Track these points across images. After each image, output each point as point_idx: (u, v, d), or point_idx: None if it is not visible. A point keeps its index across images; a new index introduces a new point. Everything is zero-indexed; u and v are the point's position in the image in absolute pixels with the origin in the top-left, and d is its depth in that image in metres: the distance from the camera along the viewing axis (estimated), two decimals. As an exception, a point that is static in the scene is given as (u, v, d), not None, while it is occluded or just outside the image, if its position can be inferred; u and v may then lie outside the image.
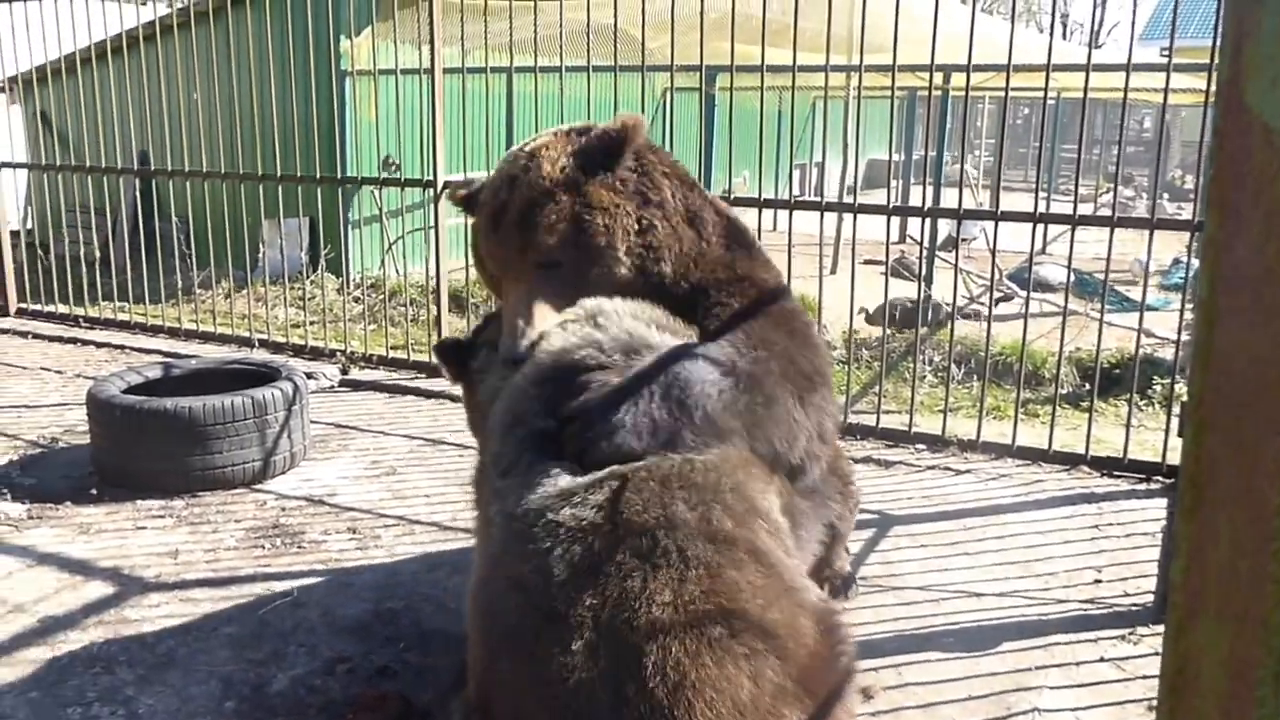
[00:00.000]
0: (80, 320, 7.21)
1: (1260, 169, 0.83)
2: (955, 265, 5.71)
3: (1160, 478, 4.52)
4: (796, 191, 5.67)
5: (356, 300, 7.63)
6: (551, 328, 2.58)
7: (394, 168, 7.05)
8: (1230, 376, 0.85)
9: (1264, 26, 0.84)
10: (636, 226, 2.69)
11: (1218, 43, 3.95)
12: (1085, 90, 4.83)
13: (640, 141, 2.78)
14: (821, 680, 1.94)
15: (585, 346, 2.45)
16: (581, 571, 1.97)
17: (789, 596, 2.02)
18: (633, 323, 2.54)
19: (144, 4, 9.53)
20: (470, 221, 3.02)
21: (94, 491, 4.21)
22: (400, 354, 6.31)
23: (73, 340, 6.81)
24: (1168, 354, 6.56)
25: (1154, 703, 2.86)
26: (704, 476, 2.15)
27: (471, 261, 3.03)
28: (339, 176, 6.48)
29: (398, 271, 8.47)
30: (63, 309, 7.34)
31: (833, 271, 8.85)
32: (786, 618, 1.97)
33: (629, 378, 2.36)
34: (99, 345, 6.69)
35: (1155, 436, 4.85)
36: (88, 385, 4.67)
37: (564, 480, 2.17)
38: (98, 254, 7.50)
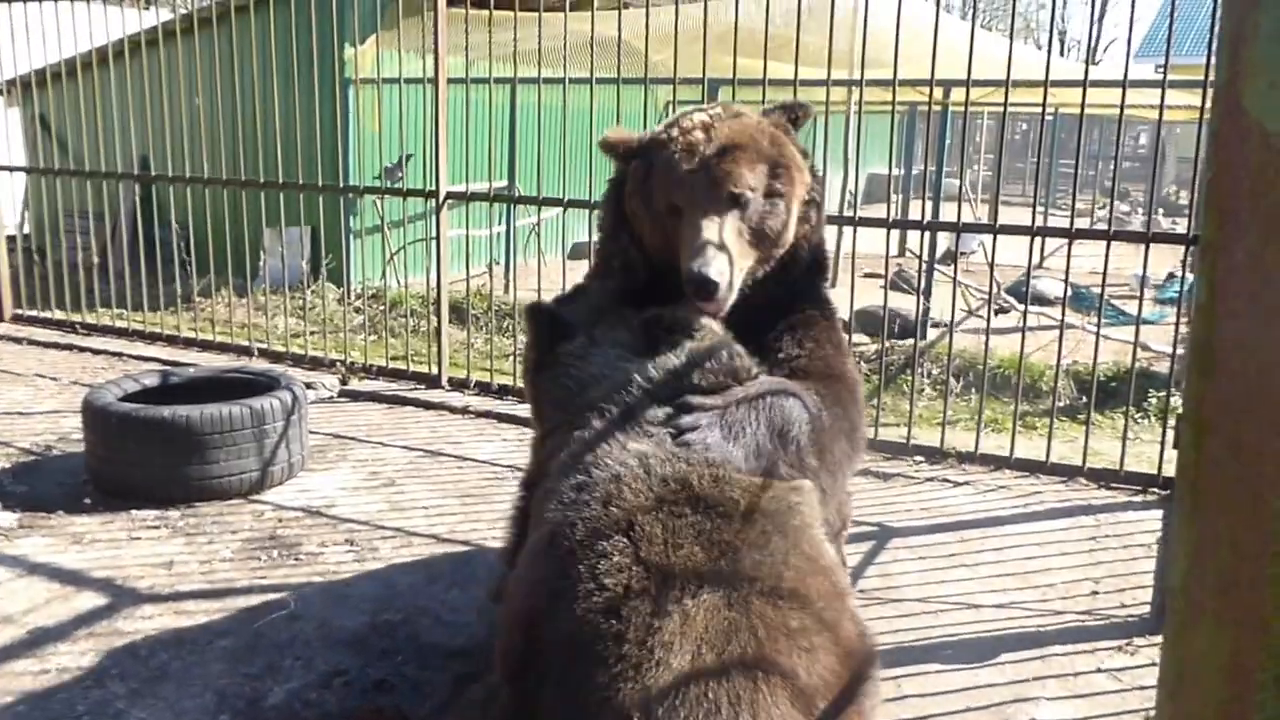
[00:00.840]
0: (77, 327, 7.17)
1: (1258, 172, 0.83)
2: (954, 279, 5.71)
3: (1156, 489, 4.52)
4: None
5: (357, 310, 7.61)
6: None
7: (405, 163, 7.00)
8: (1229, 380, 0.84)
9: (1261, 30, 0.83)
10: (806, 194, 2.80)
11: (1214, 48, 3.95)
12: (1082, 106, 4.82)
13: (810, 115, 2.91)
14: (856, 677, 2.05)
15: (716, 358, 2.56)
16: (706, 543, 2.09)
17: (842, 602, 2.17)
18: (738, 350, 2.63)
19: (146, 9, 9.53)
20: (623, 170, 2.95)
21: (88, 501, 4.17)
22: (400, 365, 6.29)
23: (69, 347, 6.77)
24: (1164, 367, 6.55)
25: (1150, 714, 2.86)
26: (804, 498, 2.33)
27: (620, 209, 2.93)
28: (341, 185, 6.47)
29: (399, 282, 8.47)
30: (59, 315, 7.31)
31: (833, 285, 8.86)
32: (836, 621, 2.11)
33: (743, 401, 2.48)
34: (96, 352, 6.66)
35: (1151, 449, 4.84)
36: (83, 392, 4.62)
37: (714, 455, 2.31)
38: (96, 260, 7.48)
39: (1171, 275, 10.36)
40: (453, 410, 5.59)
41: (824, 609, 2.08)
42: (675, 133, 2.79)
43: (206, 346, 6.77)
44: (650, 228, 2.82)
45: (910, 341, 6.55)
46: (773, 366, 2.68)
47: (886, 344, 5.67)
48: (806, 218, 2.82)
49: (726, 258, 2.62)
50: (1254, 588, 0.81)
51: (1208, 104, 4.32)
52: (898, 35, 4.76)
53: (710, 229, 2.64)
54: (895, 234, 8.19)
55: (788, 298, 2.82)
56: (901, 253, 10.84)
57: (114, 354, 6.60)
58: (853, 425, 2.72)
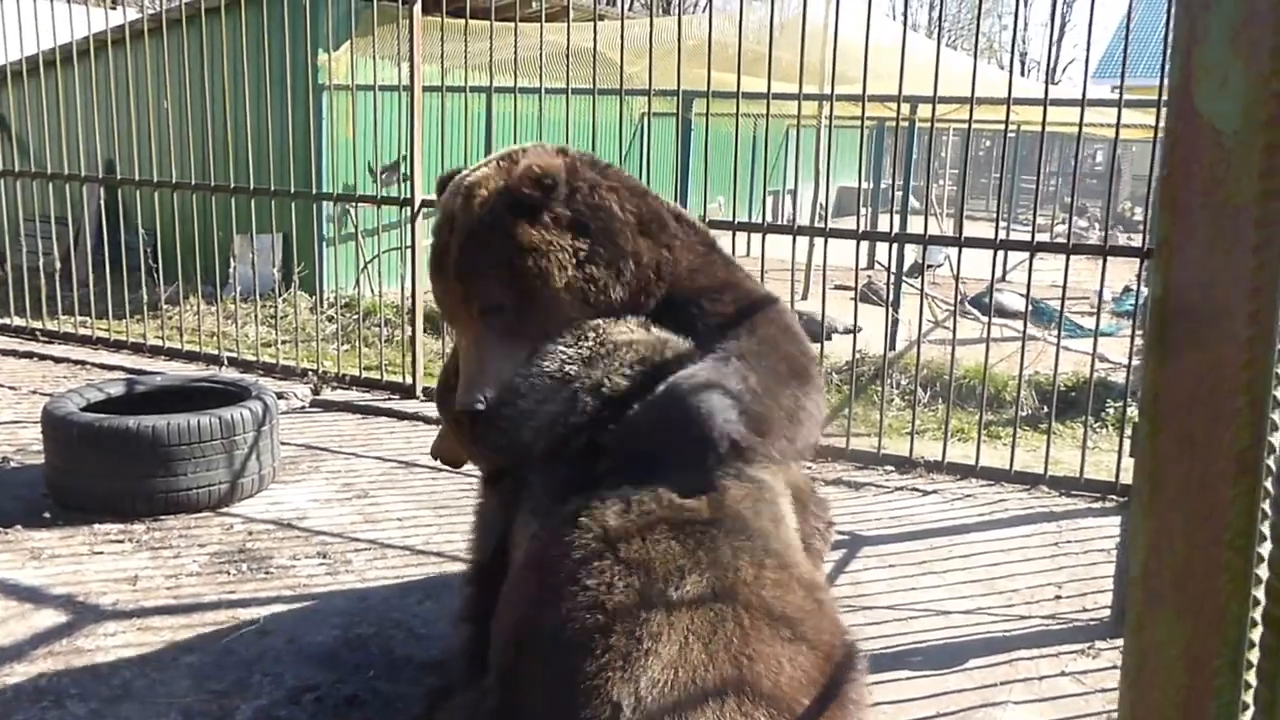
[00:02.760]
0: (37, 334, 6.99)
1: (1209, 170, 0.85)
2: (921, 291, 5.74)
3: (1115, 496, 4.58)
4: (769, 218, 5.70)
5: (330, 319, 7.52)
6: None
7: (401, 164, 6.91)
8: (1183, 375, 0.86)
9: (1212, 34, 0.85)
10: (575, 260, 2.62)
11: (1167, 68, 4.02)
12: (1043, 124, 4.89)
13: (578, 167, 2.71)
14: (834, 677, 2.06)
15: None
16: (682, 537, 2.11)
17: (817, 599, 2.18)
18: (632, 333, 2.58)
19: (114, 8, 9.36)
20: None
21: (47, 515, 4.03)
22: (374, 375, 6.21)
23: (29, 355, 6.59)
24: (1120, 378, 6.64)
25: (1113, 715, 2.87)
26: (770, 494, 2.34)
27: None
28: (314, 192, 6.39)
29: (372, 291, 8.38)
30: (19, 322, 7.12)
31: (804, 296, 8.89)
32: (815, 618, 2.13)
33: (654, 409, 2.38)
34: (57, 360, 6.50)
35: (1110, 457, 4.91)
36: (43, 402, 4.46)
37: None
38: (58, 265, 7.30)
39: (1128, 289, 10.53)
40: (427, 421, 5.53)
41: (804, 602, 2.11)
42: (435, 230, 2.76)
43: (174, 355, 6.64)
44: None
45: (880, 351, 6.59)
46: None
47: (857, 354, 5.69)
48: (591, 280, 2.63)
49: (494, 369, 2.57)
50: (1209, 577, 0.83)
51: (1161, 123, 4.40)
52: (867, 52, 4.80)
53: (469, 350, 2.63)
54: (865, 245, 8.24)
55: (660, 301, 2.70)
56: (870, 265, 10.91)
57: (76, 362, 6.45)
58: (792, 368, 2.59)
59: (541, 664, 2.00)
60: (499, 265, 2.59)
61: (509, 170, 2.69)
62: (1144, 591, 0.84)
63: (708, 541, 2.10)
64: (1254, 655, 0.79)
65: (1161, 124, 4.55)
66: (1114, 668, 3.11)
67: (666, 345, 2.56)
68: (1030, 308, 6.02)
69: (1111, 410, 6.00)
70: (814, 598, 2.15)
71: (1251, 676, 0.78)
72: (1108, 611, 3.47)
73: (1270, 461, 0.78)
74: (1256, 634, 0.79)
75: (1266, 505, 0.79)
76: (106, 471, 4.00)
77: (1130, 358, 5.21)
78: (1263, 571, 0.78)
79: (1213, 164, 0.84)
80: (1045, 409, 5.70)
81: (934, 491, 4.66)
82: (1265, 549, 0.79)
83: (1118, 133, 5.21)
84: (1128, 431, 4.77)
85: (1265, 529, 0.79)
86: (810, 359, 2.71)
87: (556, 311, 2.62)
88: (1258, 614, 0.78)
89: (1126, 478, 4.28)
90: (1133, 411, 4.76)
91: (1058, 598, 3.62)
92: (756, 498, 2.29)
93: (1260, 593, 0.78)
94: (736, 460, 2.35)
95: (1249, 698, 0.79)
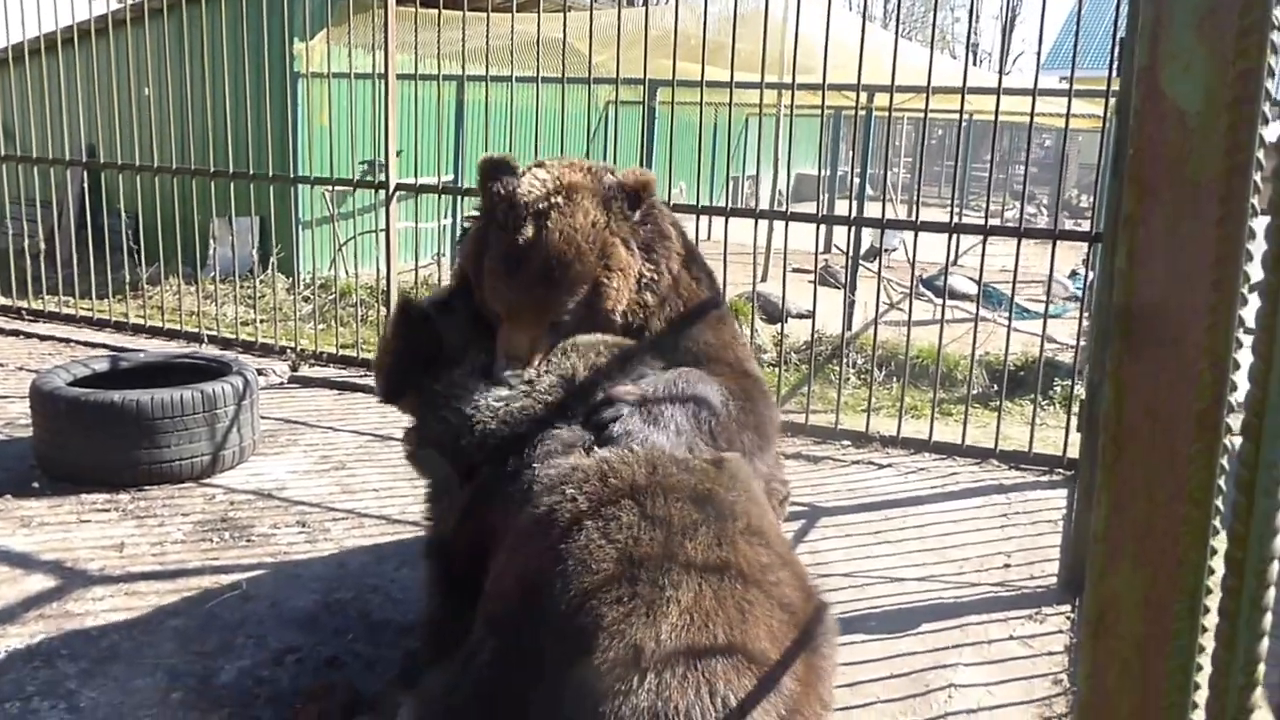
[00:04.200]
0: (23, 313, 6.85)
1: (1174, 149, 0.87)
2: (878, 274, 5.79)
3: (1061, 470, 4.64)
4: (730, 203, 5.70)
5: (306, 300, 7.42)
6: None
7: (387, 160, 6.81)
8: (1147, 340, 0.88)
9: (1177, 17, 0.87)
10: (637, 286, 2.58)
11: (1114, 64, 4.07)
12: (996, 112, 4.92)
13: (652, 195, 2.64)
14: (807, 630, 2.09)
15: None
16: (693, 495, 2.14)
17: (786, 560, 2.21)
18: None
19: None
20: (471, 215, 2.79)
21: (36, 485, 3.98)
22: (350, 352, 6.14)
23: (15, 333, 6.46)
24: (1067, 358, 6.75)
25: (1059, 676, 2.93)
26: (745, 470, 2.35)
27: (457, 260, 2.78)
28: (291, 176, 6.29)
29: (348, 273, 8.27)
30: (4, 301, 6.98)
31: (764, 279, 8.91)
32: (788, 578, 2.16)
33: (658, 390, 2.39)
34: (43, 338, 6.37)
35: (1057, 433, 4.97)
36: (30, 378, 4.40)
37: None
38: (42, 246, 7.14)
39: (1074, 272, 10.69)
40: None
41: (781, 549, 2.18)
42: (511, 216, 2.50)
43: (156, 333, 6.52)
44: (478, 292, 2.61)
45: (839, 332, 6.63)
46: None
47: (815, 334, 5.72)
48: (642, 304, 2.60)
49: (530, 359, 2.50)
50: (1169, 530, 0.85)
51: (1109, 113, 4.46)
52: (826, 43, 4.80)
53: (523, 344, 2.48)
54: (823, 230, 8.26)
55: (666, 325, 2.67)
56: (828, 249, 10.97)
57: (61, 340, 6.33)
58: (760, 419, 2.59)
59: (557, 611, 1.98)
60: (587, 280, 2.48)
61: (601, 180, 2.57)
62: (1105, 545, 0.86)
63: (714, 501, 2.15)
64: (1212, 601, 0.81)
65: (1109, 113, 4.62)
66: (1060, 632, 3.17)
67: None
68: (981, 295, 6.09)
69: (1059, 388, 6.09)
70: (784, 559, 2.19)
71: (1209, 621, 0.80)
72: (1054, 579, 3.52)
73: (1229, 420, 0.80)
74: (1215, 580, 0.80)
75: (1225, 460, 0.80)
76: (93, 444, 3.94)
77: (1078, 339, 5.28)
78: (1219, 523, 0.80)
79: (1177, 142, 0.86)
80: (995, 387, 5.78)
81: (889, 465, 4.71)
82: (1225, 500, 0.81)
83: (1067, 122, 5.26)
84: (1074, 409, 4.84)
85: (1221, 483, 0.81)
86: (772, 422, 2.70)
87: (607, 326, 2.56)
88: (1215, 562, 0.80)
89: (1073, 452, 4.34)
90: (1079, 390, 4.84)
91: (1007, 566, 3.66)
92: (735, 472, 2.32)
93: (1218, 542, 0.80)
94: (716, 446, 2.41)
95: (1206, 640, 0.80)
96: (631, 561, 1.99)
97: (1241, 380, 0.82)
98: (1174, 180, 0.84)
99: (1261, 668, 0.71)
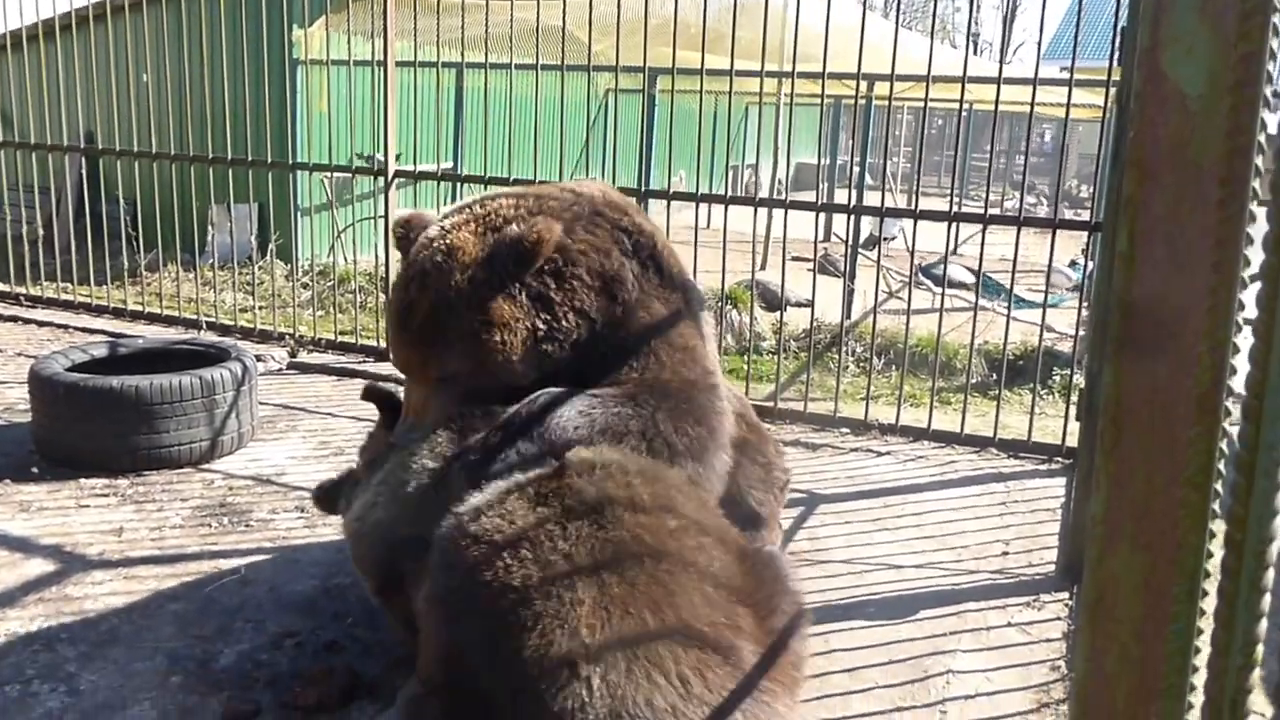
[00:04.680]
0: (21, 299, 6.83)
1: (1176, 132, 0.87)
2: (877, 262, 5.78)
3: (1060, 459, 4.64)
4: (730, 192, 5.68)
5: (305, 286, 7.41)
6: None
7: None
8: (1146, 323, 0.88)
9: (1179, 2, 0.86)
10: (535, 336, 2.59)
11: (1115, 54, 4.05)
12: (997, 101, 4.91)
13: (543, 254, 2.57)
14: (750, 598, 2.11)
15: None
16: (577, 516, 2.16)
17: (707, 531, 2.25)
18: None
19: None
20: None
21: (35, 470, 3.97)
22: (348, 339, 6.14)
23: (13, 319, 6.45)
24: (1066, 347, 6.75)
25: (1056, 663, 2.94)
26: (596, 456, 2.37)
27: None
28: (290, 163, 6.27)
29: (346, 259, 8.27)
30: (3, 287, 6.97)
31: (763, 267, 8.90)
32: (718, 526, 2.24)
33: (504, 422, 2.49)
34: (41, 324, 6.35)
35: (1056, 422, 4.97)
36: (29, 364, 4.38)
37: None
38: (40, 232, 7.12)
39: (1074, 262, 10.67)
40: (400, 382, 5.47)
41: (699, 514, 2.19)
42: (400, 277, 2.68)
43: (154, 319, 6.51)
44: None
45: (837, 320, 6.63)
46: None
47: (814, 323, 5.72)
48: (545, 356, 2.60)
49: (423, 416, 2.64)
50: (1168, 512, 0.85)
51: (1109, 103, 4.45)
52: (827, 31, 4.78)
53: (418, 401, 2.65)
54: (823, 218, 8.23)
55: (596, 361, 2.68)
56: (827, 238, 10.95)
57: (60, 326, 6.32)
58: (656, 425, 2.57)
59: (484, 670, 2.01)
60: (466, 338, 2.54)
61: (491, 238, 2.60)
62: (1105, 527, 0.86)
63: (572, 494, 2.17)
64: (1210, 585, 0.81)
65: (1109, 104, 4.61)
66: (1057, 619, 3.18)
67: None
68: (980, 280, 6.08)
69: (1058, 378, 6.09)
70: (700, 523, 2.20)
71: (1207, 604, 0.80)
72: (1052, 567, 3.53)
73: (1229, 403, 0.80)
74: (1213, 563, 0.80)
75: (1224, 445, 0.80)
76: (91, 429, 3.94)
77: (1077, 329, 5.28)
78: (1218, 507, 0.80)
79: (1179, 125, 0.86)
80: (994, 376, 5.78)
81: (888, 453, 4.71)
82: (1224, 483, 0.81)
83: (1068, 112, 5.25)
84: (1073, 398, 4.84)
85: (1221, 467, 0.81)
86: (709, 438, 2.68)
87: (507, 377, 2.60)
88: (1214, 545, 0.80)
89: (1072, 441, 4.35)
90: (1078, 379, 4.84)
91: (1005, 554, 3.67)
92: (594, 459, 2.32)
93: (1216, 526, 0.80)
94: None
95: (1204, 623, 0.81)
96: (518, 590, 1.99)
97: (1241, 364, 0.82)
98: (1175, 163, 0.84)
99: (1260, 649, 0.72)
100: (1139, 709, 0.82)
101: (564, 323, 2.61)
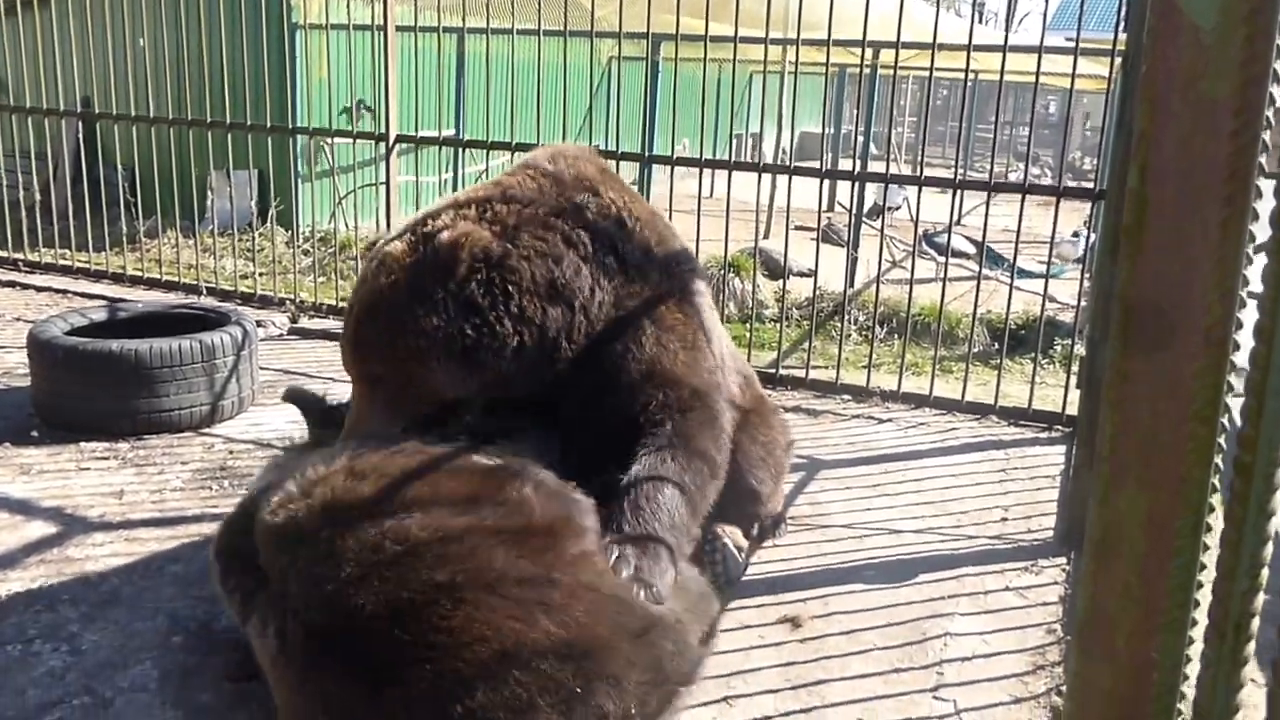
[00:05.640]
0: (20, 264, 6.81)
1: (1189, 66, 0.86)
2: (881, 231, 5.75)
3: (1061, 426, 4.64)
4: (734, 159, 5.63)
5: (306, 253, 7.38)
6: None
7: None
8: (1156, 262, 0.86)
9: None
10: (461, 345, 2.59)
11: (1120, 23, 4.00)
12: (1002, 69, 4.86)
13: (463, 263, 2.59)
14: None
15: None
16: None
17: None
18: None
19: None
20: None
21: (35, 434, 3.97)
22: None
23: (11, 284, 6.42)
24: (1068, 318, 6.73)
25: (1053, 626, 2.96)
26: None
27: None
28: (289, 127, 6.22)
29: (347, 226, 8.23)
30: (1, 253, 6.94)
31: (766, 235, 8.85)
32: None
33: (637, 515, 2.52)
34: (40, 289, 6.33)
35: (1056, 391, 4.97)
36: (28, 328, 4.37)
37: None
38: (38, 198, 7.07)
39: (1076, 234, 10.61)
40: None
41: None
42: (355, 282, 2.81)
43: (154, 285, 6.49)
44: None
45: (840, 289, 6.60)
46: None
47: (817, 291, 5.70)
48: (475, 362, 2.62)
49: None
50: (1174, 449, 0.84)
51: (1115, 73, 4.40)
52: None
53: (356, 407, 2.72)
54: (827, 188, 8.18)
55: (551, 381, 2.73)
56: (831, 207, 10.89)
57: (59, 291, 6.30)
58: (705, 456, 2.71)
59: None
60: (384, 345, 2.59)
61: (420, 247, 2.64)
62: (1111, 465, 0.85)
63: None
64: (1215, 520, 0.80)
65: (1114, 73, 4.55)
66: (1055, 584, 3.19)
67: None
68: (984, 250, 6.05)
69: (1059, 348, 6.08)
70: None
71: (1210, 539, 0.80)
72: (1050, 533, 3.54)
73: (1236, 335, 0.79)
74: (1217, 499, 0.80)
75: (1233, 378, 0.79)
76: (91, 393, 3.93)
77: (1079, 298, 5.26)
78: (1224, 442, 0.79)
79: (1191, 59, 0.84)
80: (996, 345, 5.77)
81: (889, 420, 4.71)
82: (1234, 410, 0.80)
83: (1073, 81, 5.20)
84: (1074, 368, 4.83)
85: (1228, 400, 0.80)
86: (715, 449, 2.78)
87: (434, 385, 2.63)
88: (1217, 480, 0.79)
89: (1073, 410, 4.34)
90: (1080, 349, 4.83)
91: (1004, 520, 3.67)
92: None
93: (1221, 460, 0.79)
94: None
95: (1208, 559, 0.80)
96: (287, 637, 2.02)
97: (1246, 335, 0.80)
98: (1187, 97, 0.83)
99: (1265, 573, 0.71)
100: (1140, 645, 0.82)
101: (498, 329, 2.59)
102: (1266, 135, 0.78)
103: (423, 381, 2.63)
